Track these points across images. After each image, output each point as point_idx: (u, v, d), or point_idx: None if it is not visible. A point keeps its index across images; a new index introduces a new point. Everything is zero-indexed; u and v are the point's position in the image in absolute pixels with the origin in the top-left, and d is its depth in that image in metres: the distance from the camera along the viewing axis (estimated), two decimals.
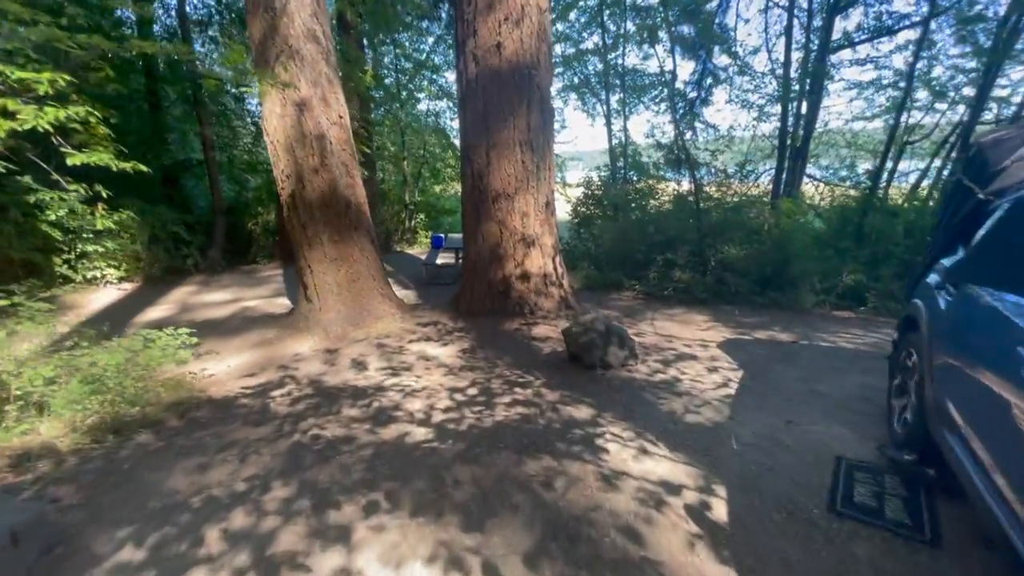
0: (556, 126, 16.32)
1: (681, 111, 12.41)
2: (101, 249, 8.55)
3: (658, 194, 10.74)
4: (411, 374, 4.51)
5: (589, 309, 6.51)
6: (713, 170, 10.48)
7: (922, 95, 10.21)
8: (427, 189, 15.41)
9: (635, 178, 12.84)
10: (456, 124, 14.96)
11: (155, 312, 7.18)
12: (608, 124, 12.66)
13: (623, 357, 4.30)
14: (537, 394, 3.92)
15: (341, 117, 5.60)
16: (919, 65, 8.42)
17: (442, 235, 10.40)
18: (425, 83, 14.20)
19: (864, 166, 12.83)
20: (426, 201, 15.00)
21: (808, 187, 11.88)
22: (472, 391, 4.05)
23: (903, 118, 8.97)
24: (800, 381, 4.14)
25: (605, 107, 12.74)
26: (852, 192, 10.39)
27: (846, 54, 10.28)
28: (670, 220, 8.64)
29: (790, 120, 11.15)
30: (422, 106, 15.16)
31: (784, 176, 10.94)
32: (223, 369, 4.84)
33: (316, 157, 5.40)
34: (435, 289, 8.38)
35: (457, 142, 14.65)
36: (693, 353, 4.84)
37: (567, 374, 4.33)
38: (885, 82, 11.15)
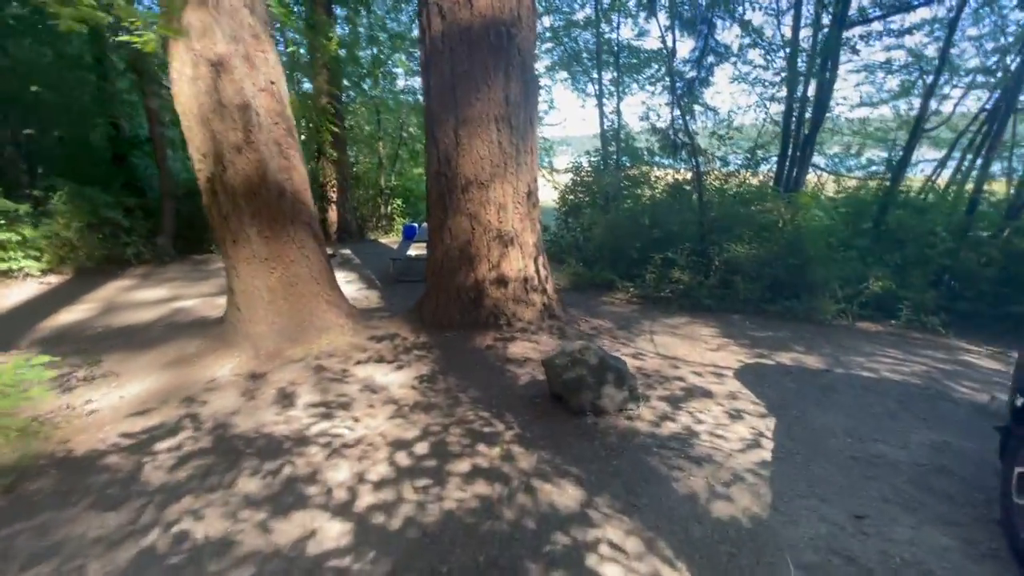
0: (542, 105, 15.02)
1: (680, 91, 11.25)
2: (17, 237, 7.28)
3: (654, 182, 9.65)
4: (348, 414, 3.43)
5: (577, 319, 5.44)
6: (715, 158, 9.40)
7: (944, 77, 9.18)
8: (405, 172, 14.14)
9: (628, 164, 11.72)
10: None
11: (71, 314, 5.99)
12: (600, 105, 11.48)
13: (621, 400, 3.25)
14: (507, 457, 2.86)
15: (272, 83, 4.39)
16: (954, 38, 7.34)
17: (415, 224, 9.23)
18: (403, 57, 12.84)
19: (870, 155, 11.85)
20: (403, 185, 13.75)
21: (810, 177, 10.86)
22: (421, 448, 2.98)
23: (932, 103, 7.91)
24: (851, 436, 3.12)
25: (597, 86, 11.53)
26: (867, 184, 9.39)
27: (857, 30, 9.11)
28: (668, 213, 7.57)
29: (796, 104, 10.08)
30: (400, 83, 13.82)
31: (787, 165, 9.89)
32: (113, 401, 3.72)
33: (239, 132, 4.20)
34: (403, 288, 7.26)
35: None
36: (707, 387, 3.80)
37: (548, 420, 3.26)
38: (900, 62, 10.11)
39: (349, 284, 7.43)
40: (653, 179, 10.05)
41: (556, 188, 11.78)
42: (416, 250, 8.27)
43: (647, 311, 6.18)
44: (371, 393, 3.75)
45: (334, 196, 11.80)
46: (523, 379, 3.96)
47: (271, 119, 4.38)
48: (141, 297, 6.82)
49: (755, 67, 10.11)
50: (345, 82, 12.08)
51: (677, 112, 11.12)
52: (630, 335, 5.10)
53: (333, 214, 11.98)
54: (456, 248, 4.90)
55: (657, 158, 11.19)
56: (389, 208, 13.22)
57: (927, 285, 5.56)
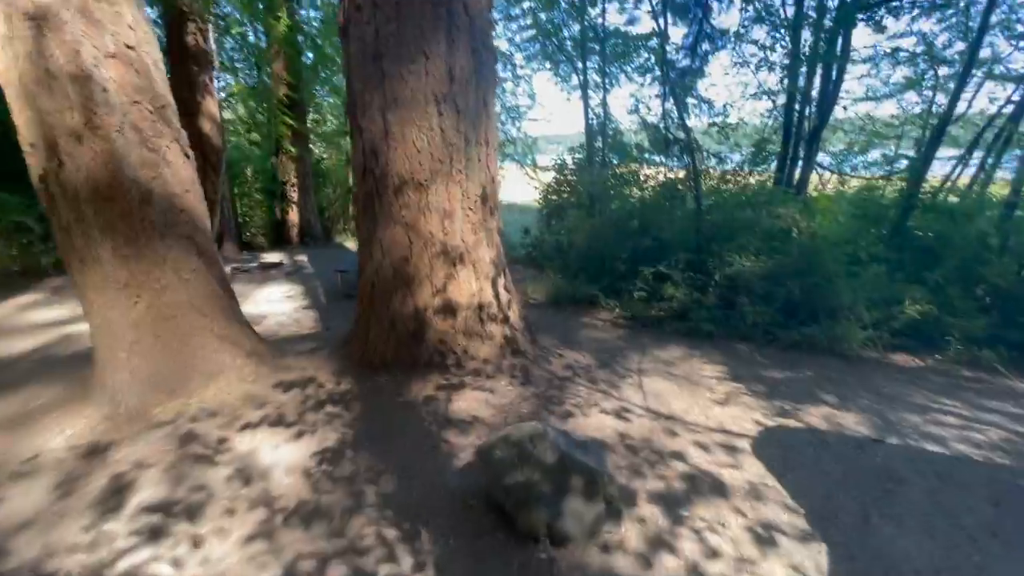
0: (523, 99, 13.82)
1: (672, 81, 10.07)
2: None
3: (644, 181, 8.50)
4: (192, 529, 2.24)
5: (549, 352, 4.27)
6: (711, 155, 8.26)
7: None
8: None
9: (615, 162, 10.55)
10: None
11: None
12: (584, 97, 10.30)
13: (593, 519, 2.08)
14: None
15: (129, 48, 3.16)
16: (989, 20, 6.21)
17: None
18: None
19: (876, 153, 10.76)
20: None
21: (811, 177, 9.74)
22: None
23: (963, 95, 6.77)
24: None
25: (581, 76, 10.33)
26: (875, 184, 8.29)
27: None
28: (659, 216, 6.40)
29: (799, 94, 8.95)
30: None
31: (789, 163, 8.74)
32: None
33: (75, 113, 2.98)
34: (351, 306, 6.04)
35: None
36: (717, 474, 2.64)
37: (480, 551, 2.09)
38: (911, 51, 9.00)
39: (285, 302, 6.21)
40: (643, 177, 8.90)
41: (537, 188, 10.63)
42: None
43: (636, 337, 5.02)
44: (243, 485, 2.57)
45: (295, 196, 10.56)
46: (462, 457, 2.79)
47: (127, 96, 3.15)
48: (34, 318, 5.56)
49: (758, 47, 8.87)
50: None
51: (669, 104, 9.99)
52: (613, 376, 3.94)
53: (294, 216, 10.74)
54: (390, 267, 3.71)
55: (647, 155, 10.03)
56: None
57: (976, 309, 4.45)
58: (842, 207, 6.23)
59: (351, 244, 10.98)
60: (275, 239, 10.86)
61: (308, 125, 11.08)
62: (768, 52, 8.28)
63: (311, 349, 4.29)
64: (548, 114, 17.65)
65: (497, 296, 3.99)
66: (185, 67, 8.37)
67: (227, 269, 7.75)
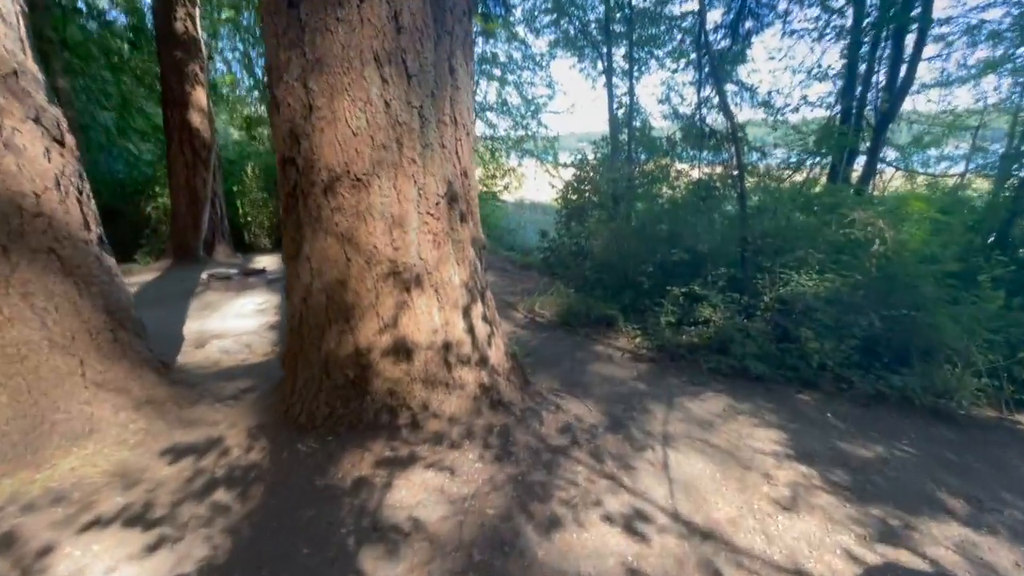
0: (544, 88, 12.52)
1: (711, 64, 8.74)
2: None
3: (674, 179, 7.24)
4: None
5: (544, 402, 3.16)
6: (753, 149, 6.93)
7: None
8: None
9: (644, 158, 9.29)
10: None
11: None
12: (609, 85, 9.07)
13: None
14: None
15: None
16: None
17: None
18: None
19: (948, 149, 9.13)
20: None
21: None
22: None
23: None
24: None
25: (605, 62, 9.11)
26: (952, 183, 6.82)
27: None
28: (694, 222, 5.17)
29: (859, 76, 7.51)
30: None
31: (846, 158, 7.28)
32: None
33: None
34: None
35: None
36: None
37: None
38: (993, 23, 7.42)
39: (254, 317, 5.29)
40: (674, 175, 7.63)
41: (553, 187, 9.50)
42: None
43: (661, 377, 3.85)
44: None
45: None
46: None
47: None
48: None
49: (820, 11, 7.47)
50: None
51: (706, 91, 8.67)
52: (626, 446, 2.79)
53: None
54: (321, 292, 2.66)
55: (679, 149, 8.73)
56: None
57: None
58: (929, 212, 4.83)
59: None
60: (278, 240, 10.04)
61: None
62: (828, 20, 6.84)
63: (241, 391, 3.29)
64: (571, 105, 16.35)
65: (471, 330, 2.90)
66: (172, 55, 7.58)
67: (203, 276, 6.98)
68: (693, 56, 9.36)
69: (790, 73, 11.63)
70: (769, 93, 8.26)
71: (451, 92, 2.65)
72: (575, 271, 6.65)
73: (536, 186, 14.08)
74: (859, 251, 4.02)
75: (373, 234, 2.56)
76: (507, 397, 3.04)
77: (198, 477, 2.43)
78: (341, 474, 2.44)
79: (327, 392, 2.75)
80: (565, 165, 10.02)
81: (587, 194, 9.20)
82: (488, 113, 12.32)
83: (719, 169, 6.02)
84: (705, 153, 7.90)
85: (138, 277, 7.24)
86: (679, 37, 9.09)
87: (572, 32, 10.11)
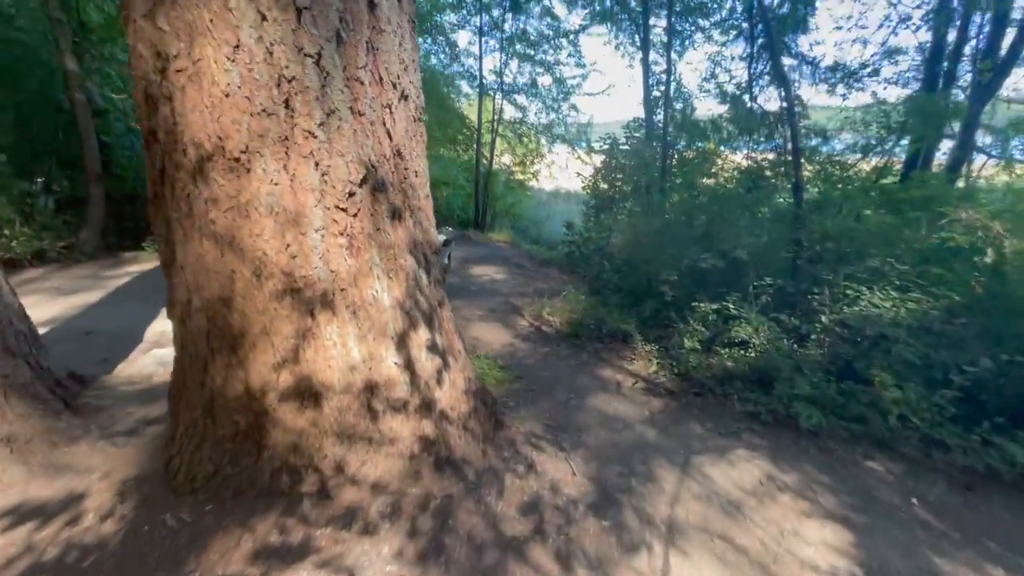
0: (577, 69, 11.34)
1: (762, 38, 7.50)
2: None
3: (718, 169, 6.17)
4: None
5: (511, 464, 2.35)
6: (818, 132, 5.73)
7: None
8: None
9: (682, 145, 8.18)
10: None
11: None
12: (645, 61, 7.97)
13: None
14: None
15: None
16: None
17: None
18: None
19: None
20: None
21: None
22: None
23: None
24: None
25: (640, 34, 8.02)
26: None
27: None
28: (736, 218, 4.17)
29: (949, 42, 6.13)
30: None
31: (926, 146, 5.93)
32: None
33: None
34: None
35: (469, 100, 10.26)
36: None
37: None
38: None
39: None
40: (717, 163, 6.53)
41: (579, 174, 8.56)
42: None
43: (678, 420, 2.95)
44: None
45: None
46: None
47: None
48: None
49: None
50: None
51: (759, 66, 7.47)
52: (614, 544, 1.96)
53: None
54: (201, 311, 1.95)
55: (727, 134, 7.58)
56: None
57: None
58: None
59: None
60: None
61: None
62: None
63: (146, 422, 2.67)
64: (607, 86, 15.27)
65: (409, 366, 2.12)
66: None
67: None
68: (745, 26, 8.11)
69: (860, 45, 10.00)
70: (836, 67, 6.93)
71: (370, 36, 1.84)
72: (595, 271, 5.76)
73: (570, 174, 13.12)
74: (959, 263, 2.95)
75: (260, 236, 1.80)
76: (460, 453, 2.25)
77: (24, 556, 1.78)
78: (203, 567, 1.73)
79: (212, 444, 2.04)
80: (596, 151, 9.02)
81: (618, 183, 8.23)
82: (517, 96, 11.41)
83: (771, 156, 4.92)
84: (755, 138, 6.74)
85: (138, 266, 6.91)
86: (728, 4, 7.85)
87: (608, 3, 9.02)
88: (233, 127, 1.72)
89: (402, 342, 2.11)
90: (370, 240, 1.96)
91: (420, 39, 10.62)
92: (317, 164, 1.80)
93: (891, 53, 7.17)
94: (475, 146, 10.95)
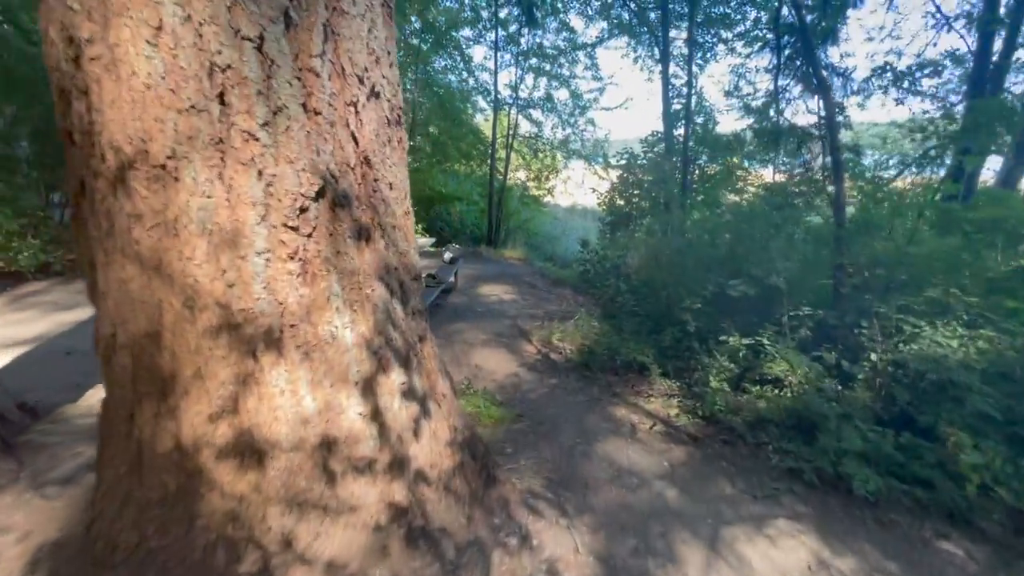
0: (594, 82, 10.98)
1: (788, 50, 7.08)
2: None
3: (741, 184, 5.73)
4: None
5: (501, 534, 1.94)
6: (851, 148, 5.26)
7: None
8: (422, 167, 11.08)
9: (703, 161, 7.78)
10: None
11: None
12: (665, 74, 7.62)
13: None
14: None
15: None
16: None
17: None
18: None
19: None
20: (420, 181, 10.69)
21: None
22: None
23: None
24: None
25: (660, 46, 7.69)
26: None
27: None
28: (766, 238, 3.73)
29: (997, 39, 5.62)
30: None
31: (977, 162, 5.38)
32: None
33: None
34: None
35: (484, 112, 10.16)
36: None
37: None
38: None
39: None
40: (741, 177, 6.09)
41: (595, 190, 8.20)
42: None
43: (705, 477, 2.50)
44: None
45: None
46: None
47: None
48: None
49: None
50: None
51: (784, 79, 7.07)
52: None
53: None
54: (126, 348, 1.62)
55: (750, 149, 7.15)
56: None
57: None
58: None
59: None
60: None
61: None
62: None
63: (89, 467, 2.32)
64: (624, 100, 15.07)
65: (377, 416, 1.75)
66: None
67: None
68: (770, 37, 7.72)
69: (894, 56, 9.47)
70: (870, 75, 6.45)
71: (329, 18, 1.51)
72: (609, 293, 5.35)
73: (587, 190, 12.77)
74: None
75: (191, 260, 1.46)
76: (438, 522, 1.85)
77: None
78: None
79: (137, 508, 1.68)
80: (613, 167, 8.66)
81: (635, 199, 7.83)
82: (532, 110, 11.15)
83: (805, 172, 4.46)
84: (783, 153, 6.29)
85: None
86: (753, 15, 7.47)
87: (627, 17, 8.72)
88: (157, 127, 1.39)
89: (369, 388, 1.74)
90: (328, 265, 1.61)
91: (437, 56, 10.48)
92: (260, 173, 1.45)
93: (923, 67, 6.68)
94: (489, 161, 10.69)
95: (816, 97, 6.74)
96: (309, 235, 1.55)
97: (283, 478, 1.64)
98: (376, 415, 1.75)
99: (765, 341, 2.93)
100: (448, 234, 10.92)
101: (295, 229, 1.52)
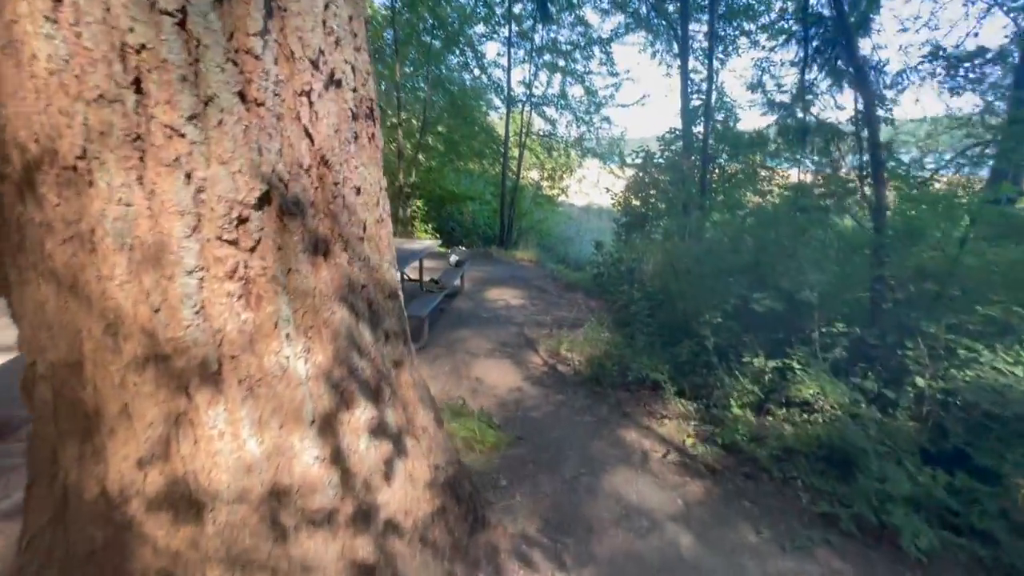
0: (609, 78, 10.59)
1: (817, 40, 6.65)
2: None
3: (765, 184, 5.36)
4: None
5: (499, 573, 1.66)
6: (888, 147, 4.84)
7: None
8: (433, 167, 10.85)
9: (723, 160, 7.40)
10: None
11: None
12: (684, 69, 7.24)
13: None
14: None
15: None
16: None
17: None
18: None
19: None
20: (431, 180, 10.48)
21: None
22: None
23: None
24: None
25: (678, 41, 7.33)
26: None
27: None
28: (795, 244, 3.38)
29: None
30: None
31: None
32: None
33: None
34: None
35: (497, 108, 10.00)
36: None
37: None
38: None
39: None
40: (763, 180, 5.72)
41: (608, 190, 7.89)
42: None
43: (725, 521, 2.19)
44: None
45: None
46: None
47: None
48: None
49: None
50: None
51: (812, 72, 6.65)
52: None
53: None
54: (46, 379, 1.38)
55: (775, 147, 6.74)
56: (408, 211, 10.02)
57: None
58: None
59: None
60: None
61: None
62: None
63: None
64: (641, 96, 14.74)
65: (338, 460, 1.49)
66: None
67: None
68: (796, 29, 7.28)
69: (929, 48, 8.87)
70: (936, 50, 5.89)
71: None
72: (622, 300, 5.04)
73: (602, 189, 12.41)
74: None
75: (111, 279, 1.23)
76: None
77: None
78: None
79: (61, 565, 1.46)
80: (629, 165, 8.31)
81: (651, 200, 7.49)
82: (546, 108, 10.83)
83: (839, 172, 4.08)
84: (809, 153, 5.89)
85: None
86: (778, 5, 7.05)
87: (644, 10, 8.36)
88: (64, 121, 1.15)
89: (328, 427, 1.48)
90: (276, 285, 1.35)
91: (450, 54, 10.23)
92: (188, 176, 1.20)
93: (957, 60, 6.16)
94: (502, 160, 10.42)
95: (847, 91, 6.31)
96: (251, 250, 1.30)
97: (225, 534, 1.39)
98: (337, 458, 1.49)
99: (796, 365, 2.61)
100: (459, 234, 10.69)
101: (233, 243, 1.27)
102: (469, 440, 2.57)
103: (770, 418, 2.91)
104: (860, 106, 3.88)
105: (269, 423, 1.39)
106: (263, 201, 1.29)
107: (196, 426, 1.33)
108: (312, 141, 1.38)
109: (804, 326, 2.98)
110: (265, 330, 1.35)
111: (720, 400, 2.95)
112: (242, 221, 1.27)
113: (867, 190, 3.60)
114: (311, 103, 1.35)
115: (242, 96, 1.23)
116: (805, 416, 2.77)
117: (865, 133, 3.37)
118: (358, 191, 1.54)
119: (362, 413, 1.56)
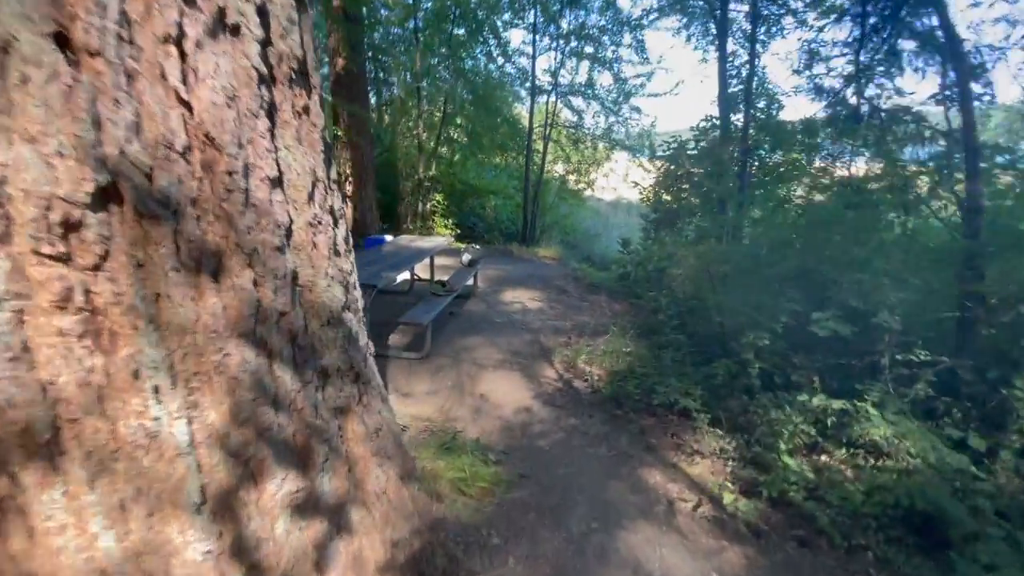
0: (640, 67, 9.84)
1: (874, 18, 5.89)
2: None
3: (814, 180, 4.70)
4: None
5: None
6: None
7: None
8: (454, 160, 10.45)
9: (764, 152, 6.72)
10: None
11: None
12: (722, 53, 6.56)
13: None
14: None
15: None
16: None
17: (384, 235, 5.54)
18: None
19: None
20: (451, 174, 10.08)
21: None
22: None
23: None
24: None
25: (716, 21, 6.66)
26: None
27: None
28: (859, 252, 2.78)
29: None
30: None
31: None
32: None
33: None
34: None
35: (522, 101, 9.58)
36: None
37: None
38: None
39: None
40: (814, 176, 5.04)
41: (636, 184, 7.32)
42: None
43: None
44: None
45: (348, 189, 8.64)
46: None
47: None
48: None
49: None
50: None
51: (866, 55, 5.94)
52: None
53: (348, 211, 8.83)
54: None
55: (825, 140, 6.02)
56: (428, 205, 9.65)
57: None
58: None
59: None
60: None
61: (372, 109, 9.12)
62: None
63: None
64: (675, 84, 13.89)
65: (241, 552, 1.07)
66: None
67: None
68: (848, 6, 6.50)
69: (1006, 25, 7.81)
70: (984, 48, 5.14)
71: None
72: (649, 306, 4.53)
73: (631, 183, 11.77)
74: None
75: None
76: None
77: None
78: None
79: None
80: (659, 157, 7.68)
81: (684, 195, 6.88)
82: (573, 98, 10.26)
83: (912, 168, 3.43)
84: (866, 143, 5.19)
85: None
86: None
87: None
88: None
89: (225, 509, 1.06)
90: (136, 318, 0.93)
91: (475, 44, 9.76)
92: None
93: None
94: (525, 152, 9.93)
95: (908, 75, 5.54)
96: (94, 268, 0.88)
97: None
98: (240, 551, 1.08)
99: (870, 408, 2.06)
100: (481, 229, 10.29)
101: (63, 259, 0.86)
102: (458, 482, 2.15)
103: (825, 457, 2.39)
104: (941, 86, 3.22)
105: (132, 510, 0.98)
106: (106, 198, 0.87)
107: (26, 516, 0.94)
108: (190, 111, 0.95)
109: (871, 349, 2.41)
110: (120, 382, 0.94)
111: (764, 437, 2.42)
112: (71, 227, 0.85)
113: (948, 188, 2.97)
114: (183, 55, 0.92)
115: (58, 40, 0.81)
116: (872, 461, 2.24)
117: (952, 116, 2.73)
118: (275, 183, 1.11)
119: (279, 486, 1.14)
